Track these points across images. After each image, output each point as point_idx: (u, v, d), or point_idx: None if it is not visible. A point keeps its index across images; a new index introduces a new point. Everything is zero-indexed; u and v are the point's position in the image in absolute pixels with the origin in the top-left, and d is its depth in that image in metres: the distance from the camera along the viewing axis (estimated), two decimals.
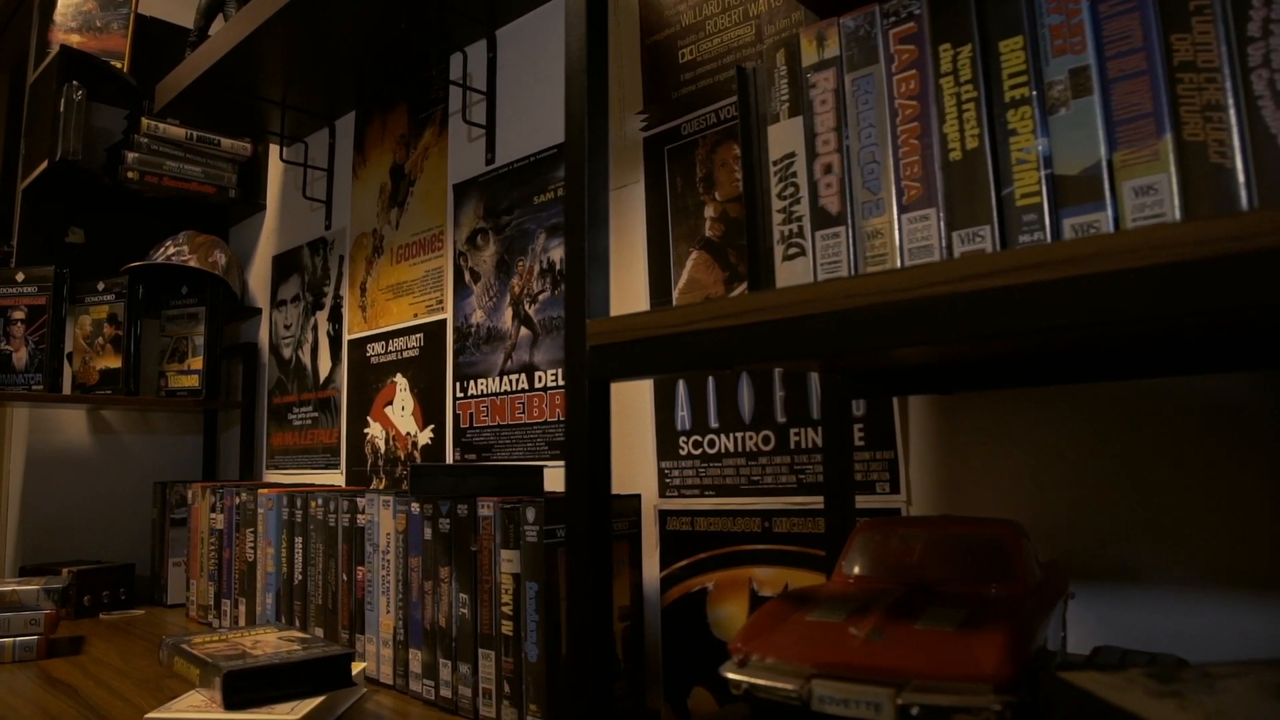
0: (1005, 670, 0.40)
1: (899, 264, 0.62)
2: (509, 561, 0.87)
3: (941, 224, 0.60)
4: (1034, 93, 0.57)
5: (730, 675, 0.46)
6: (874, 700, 0.41)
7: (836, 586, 0.57)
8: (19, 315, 1.48)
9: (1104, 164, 0.54)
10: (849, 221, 0.64)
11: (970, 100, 0.59)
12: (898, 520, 0.61)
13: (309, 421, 1.58)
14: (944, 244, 0.59)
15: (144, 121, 1.60)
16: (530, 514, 0.84)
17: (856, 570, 0.59)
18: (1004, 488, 0.76)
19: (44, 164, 1.53)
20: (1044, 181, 0.56)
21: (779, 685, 0.43)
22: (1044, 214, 0.55)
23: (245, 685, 0.86)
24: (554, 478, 1.10)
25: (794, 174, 0.67)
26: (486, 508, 0.90)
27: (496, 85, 1.26)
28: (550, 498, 0.87)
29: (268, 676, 0.87)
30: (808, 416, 0.87)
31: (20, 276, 1.50)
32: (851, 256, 0.63)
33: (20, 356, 1.48)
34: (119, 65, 1.65)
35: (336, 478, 1.51)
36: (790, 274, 0.66)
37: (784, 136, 0.68)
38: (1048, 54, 0.57)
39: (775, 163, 0.69)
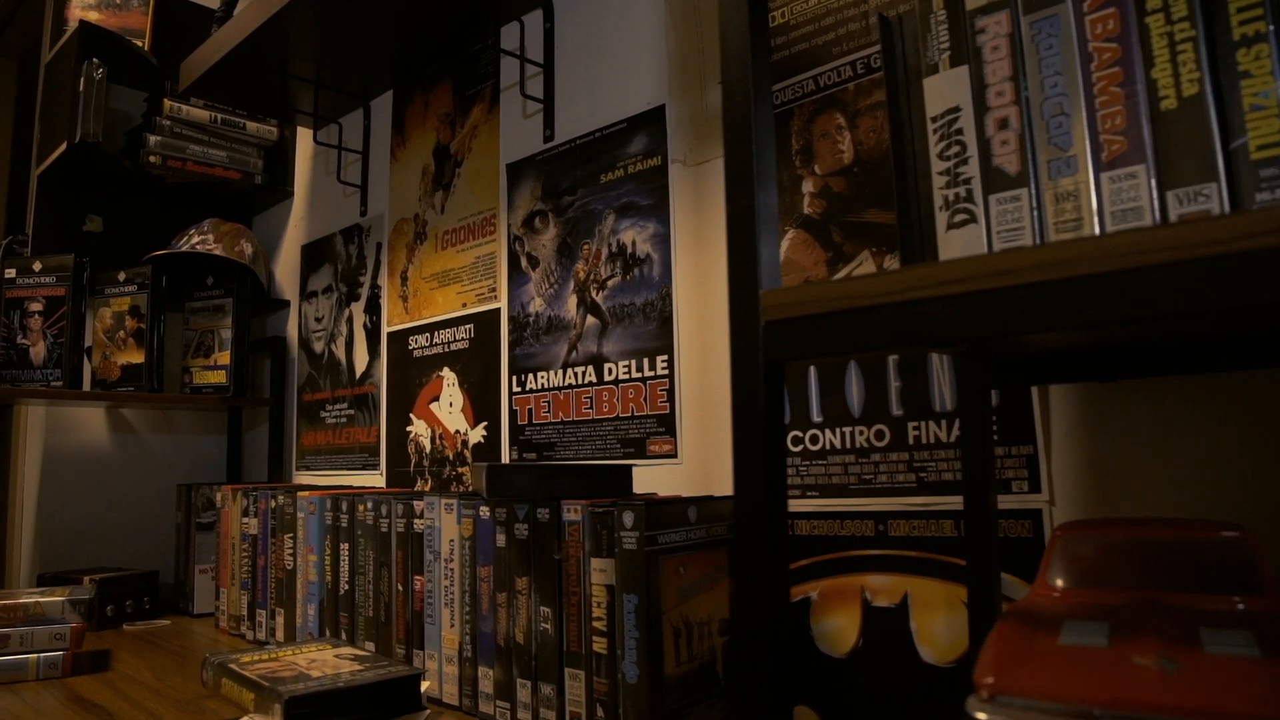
0: None
1: (1096, 229, 0.54)
2: (601, 572, 0.78)
3: (1153, 183, 0.52)
4: (1271, 28, 0.49)
5: (982, 716, 0.37)
6: None
7: (1048, 602, 0.48)
8: (36, 307, 1.39)
9: None
10: (1031, 183, 0.56)
11: (1186, 40, 0.51)
12: (1100, 523, 0.53)
13: (344, 420, 1.49)
14: (1157, 205, 0.51)
15: (166, 103, 1.51)
16: (628, 519, 0.76)
17: (1060, 582, 0.51)
18: (1162, 487, 0.68)
19: (62, 147, 1.44)
20: None
21: None
22: None
23: (309, 711, 0.77)
24: (642, 477, 1.01)
25: (959, 131, 0.59)
26: (573, 512, 0.81)
27: (555, 57, 1.17)
28: (648, 500, 0.78)
29: (333, 701, 0.79)
30: (929, 408, 0.79)
31: (37, 266, 1.41)
32: (1036, 222, 0.55)
33: (38, 351, 1.39)
34: (140, 44, 1.57)
35: (375, 479, 1.42)
36: (957, 243, 0.58)
37: (945, 89, 0.60)
38: None
39: (934, 119, 0.60)
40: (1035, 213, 0.55)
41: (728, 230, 0.48)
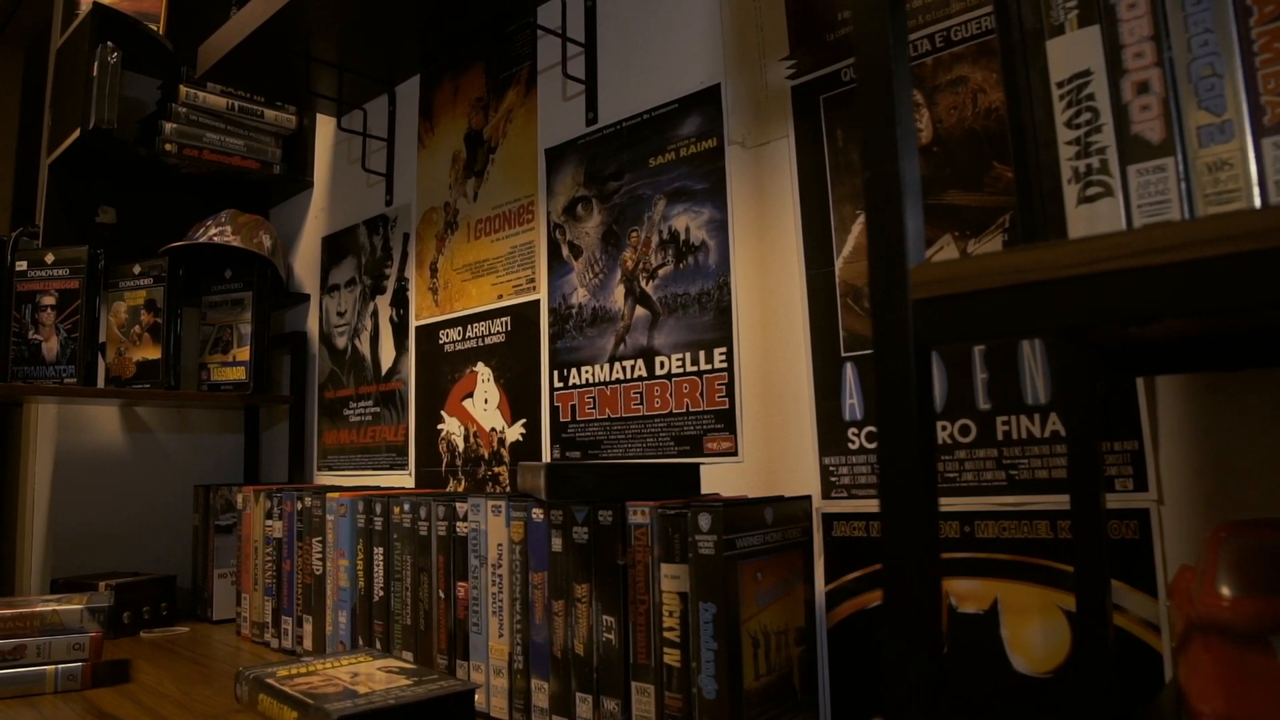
0: None
1: (1257, 201, 0.49)
2: (673, 578, 0.73)
3: None
4: None
5: None
6: None
7: (1228, 614, 0.43)
8: (49, 301, 1.33)
9: None
10: (1178, 151, 0.50)
11: None
12: (1263, 524, 0.48)
13: (369, 418, 1.44)
14: None
15: (182, 89, 1.45)
16: (704, 521, 0.71)
17: (1227, 590, 0.45)
18: None
19: (74, 134, 1.38)
20: None
21: None
22: None
23: None
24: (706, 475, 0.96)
25: (1090, 96, 0.54)
26: (640, 514, 0.76)
27: (597, 36, 1.12)
28: (725, 501, 0.73)
29: None
30: (1020, 401, 0.74)
31: (50, 258, 1.35)
32: (1183, 194, 0.50)
33: (50, 346, 1.33)
34: (154, 29, 1.51)
35: (403, 479, 1.37)
36: (1089, 219, 0.53)
37: (1072, 52, 0.55)
38: None
39: (1060, 85, 0.55)
40: (1183, 184, 0.50)
41: (866, 200, 0.43)
